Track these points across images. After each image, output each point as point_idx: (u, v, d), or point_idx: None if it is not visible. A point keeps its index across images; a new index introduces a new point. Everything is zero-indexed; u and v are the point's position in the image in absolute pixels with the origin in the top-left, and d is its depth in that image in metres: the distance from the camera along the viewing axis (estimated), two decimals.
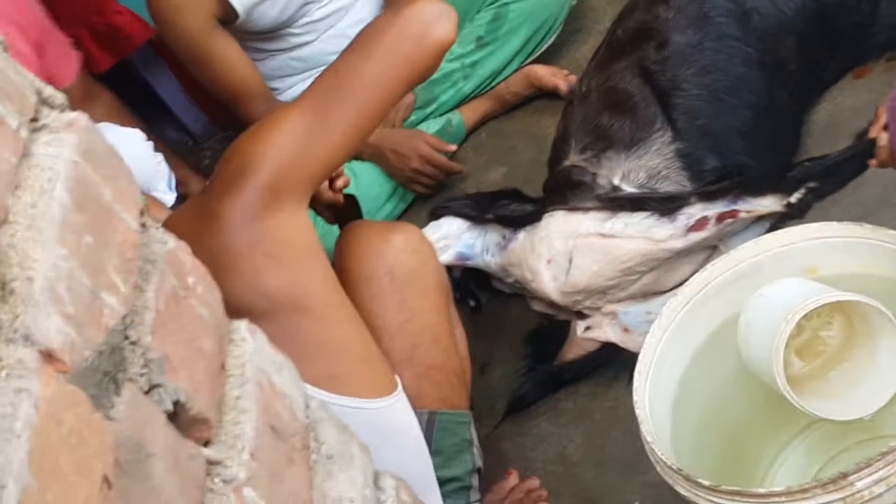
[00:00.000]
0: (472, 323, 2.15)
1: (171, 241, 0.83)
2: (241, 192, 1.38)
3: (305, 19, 2.52)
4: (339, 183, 1.72)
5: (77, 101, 2.17)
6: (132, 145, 2.13)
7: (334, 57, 2.58)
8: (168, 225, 0.95)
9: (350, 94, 1.51)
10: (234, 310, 0.92)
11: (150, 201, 2.10)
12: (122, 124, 2.24)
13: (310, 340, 1.38)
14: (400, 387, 1.49)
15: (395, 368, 1.52)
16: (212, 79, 2.46)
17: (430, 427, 1.61)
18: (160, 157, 2.26)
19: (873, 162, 1.52)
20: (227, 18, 2.40)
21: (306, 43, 2.58)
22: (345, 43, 2.58)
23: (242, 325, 0.92)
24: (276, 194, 1.40)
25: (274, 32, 2.52)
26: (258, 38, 2.51)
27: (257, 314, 1.22)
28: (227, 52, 2.44)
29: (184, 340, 0.78)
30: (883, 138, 1.45)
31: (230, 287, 1.00)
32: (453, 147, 2.54)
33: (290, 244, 1.42)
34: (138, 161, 2.06)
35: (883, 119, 1.42)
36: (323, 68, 2.58)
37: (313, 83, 1.58)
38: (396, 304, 1.58)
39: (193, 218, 1.41)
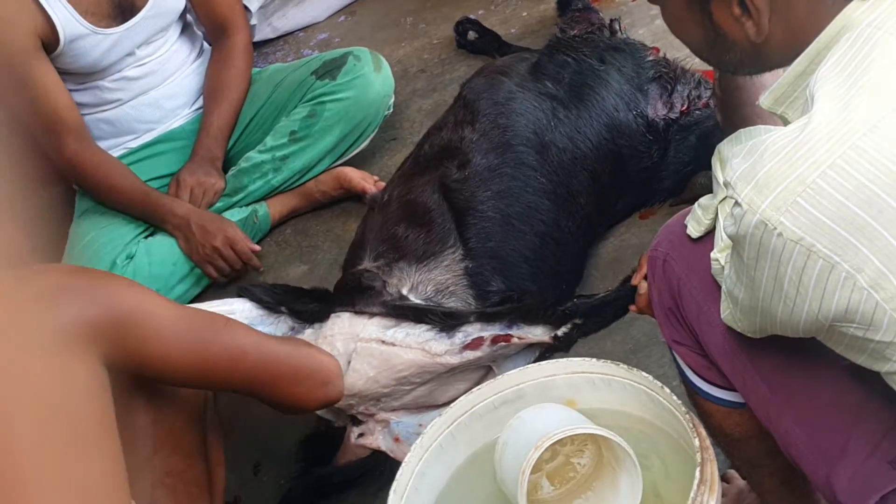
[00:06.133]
0: (251, 419, 2.12)
1: None
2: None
3: (120, 74, 2.51)
4: None
5: None
6: None
7: (144, 126, 2.59)
8: None
9: (224, 350, 1.53)
10: None
11: None
12: None
13: None
14: None
15: (129, 474, 1.43)
16: (26, 103, 2.38)
17: None
18: None
19: (633, 307, 1.57)
20: (49, 43, 2.37)
21: (117, 102, 2.55)
22: (157, 114, 2.59)
23: None
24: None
25: (87, 79, 2.50)
26: (71, 80, 2.48)
27: None
28: (46, 78, 2.39)
29: None
30: (643, 287, 1.51)
31: None
32: (258, 248, 2.52)
33: None
34: None
35: (644, 269, 1.48)
36: (132, 137, 2.61)
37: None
38: (142, 405, 1.50)
39: None
